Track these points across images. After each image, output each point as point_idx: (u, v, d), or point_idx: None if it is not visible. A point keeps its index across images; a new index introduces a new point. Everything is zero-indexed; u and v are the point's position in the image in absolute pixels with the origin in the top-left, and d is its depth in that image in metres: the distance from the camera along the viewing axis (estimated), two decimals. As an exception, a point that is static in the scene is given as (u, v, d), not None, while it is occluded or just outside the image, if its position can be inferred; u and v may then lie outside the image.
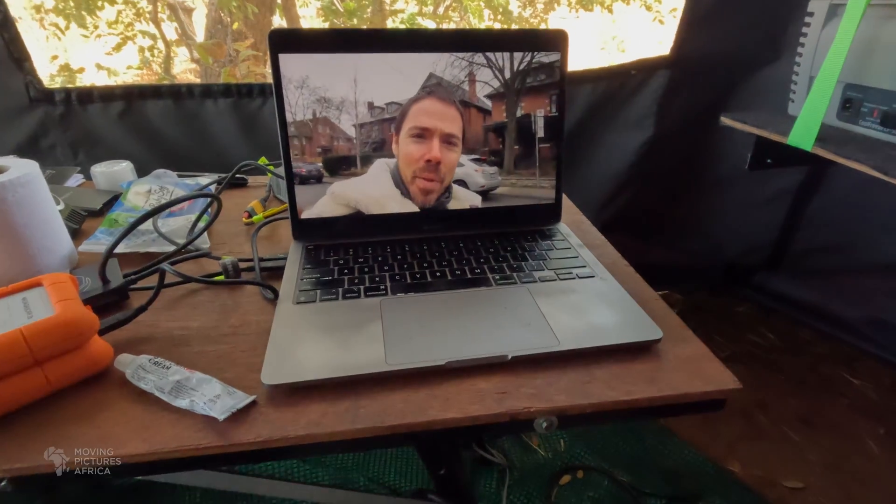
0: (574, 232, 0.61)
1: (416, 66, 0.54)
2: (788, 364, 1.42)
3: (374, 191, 0.57)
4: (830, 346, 1.46)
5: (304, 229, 0.56)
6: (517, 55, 0.56)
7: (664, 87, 1.18)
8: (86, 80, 2.92)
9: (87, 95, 0.99)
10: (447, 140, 0.57)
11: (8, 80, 0.94)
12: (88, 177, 0.77)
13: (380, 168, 0.57)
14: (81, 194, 0.66)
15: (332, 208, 0.57)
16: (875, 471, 1.11)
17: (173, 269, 0.41)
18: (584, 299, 0.47)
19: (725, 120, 0.98)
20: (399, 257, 0.53)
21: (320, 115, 0.54)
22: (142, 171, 1.05)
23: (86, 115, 1.00)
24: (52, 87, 0.97)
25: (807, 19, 0.86)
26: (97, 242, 0.53)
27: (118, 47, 2.59)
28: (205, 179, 0.71)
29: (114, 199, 0.66)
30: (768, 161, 0.94)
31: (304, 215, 0.56)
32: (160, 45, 2.81)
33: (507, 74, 0.57)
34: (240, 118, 1.07)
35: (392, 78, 0.54)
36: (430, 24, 2.02)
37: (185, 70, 3.44)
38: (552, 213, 0.62)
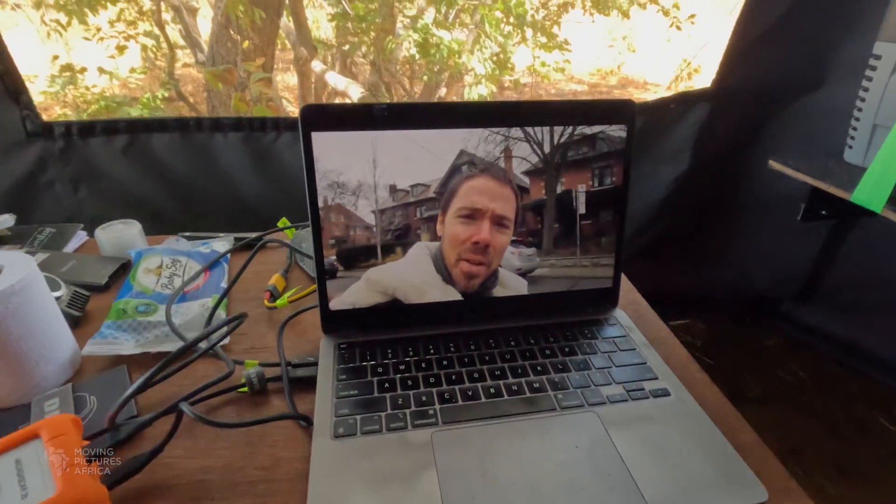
0: (633, 320, 0.55)
1: (447, 144, 0.47)
2: (821, 405, 1.36)
3: (413, 277, 0.51)
4: (862, 384, 1.40)
5: (335, 321, 0.50)
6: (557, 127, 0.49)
7: (703, 120, 1.12)
8: (88, 81, 2.85)
9: (90, 129, 0.92)
10: (498, 222, 0.50)
11: (3, 114, 0.87)
12: (91, 231, 0.71)
13: (419, 251, 0.50)
14: (84, 265, 0.59)
15: (366, 296, 0.50)
16: (919, 532, 1.05)
17: (194, 411, 0.35)
18: (666, 434, 0.40)
19: (775, 164, 0.91)
20: (445, 363, 0.47)
21: (332, 203, 0.47)
22: (146, 207, 1.00)
23: (87, 149, 0.93)
24: (51, 120, 0.90)
25: (872, 62, 0.79)
26: (104, 342, 0.46)
27: (121, 49, 2.50)
28: (220, 245, 0.65)
29: (121, 269, 0.60)
30: (823, 213, 0.87)
31: (335, 305, 0.50)
32: (162, 45, 2.72)
33: (548, 148, 0.50)
34: (251, 152, 1.00)
35: (417, 156, 0.47)
36: (444, 34, 1.94)
37: (188, 76, 3.36)
38: (608, 298, 0.56)
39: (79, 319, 0.51)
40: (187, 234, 0.67)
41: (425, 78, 2.59)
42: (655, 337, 0.54)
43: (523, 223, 0.51)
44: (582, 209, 0.52)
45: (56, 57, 2.88)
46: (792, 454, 1.23)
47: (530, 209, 0.51)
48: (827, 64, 1.10)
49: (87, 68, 2.85)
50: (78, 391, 0.42)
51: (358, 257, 0.49)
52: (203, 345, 0.43)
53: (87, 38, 3.09)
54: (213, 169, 1.01)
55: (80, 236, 0.68)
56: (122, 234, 0.62)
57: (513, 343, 0.50)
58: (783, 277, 1.47)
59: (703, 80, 4.57)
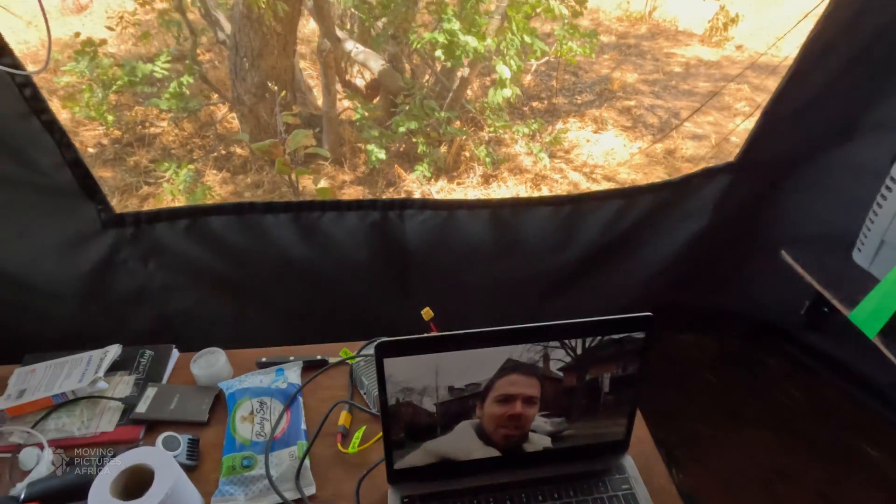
0: (640, 465, 0.66)
1: (496, 356, 0.57)
2: (812, 430, 1.49)
3: (460, 444, 0.62)
4: (856, 411, 1.52)
5: (398, 476, 0.63)
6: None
7: (724, 188, 1.16)
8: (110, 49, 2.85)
9: (155, 216, 1.02)
10: (528, 400, 0.61)
11: (82, 208, 0.97)
12: (184, 347, 0.83)
13: (463, 428, 0.62)
14: (185, 400, 0.72)
15: (423, 458, 0.62)
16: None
17: None
18: None
19: (786, 257, 0.97)
20: (488, 521, 0.60)
21: (402, 401, 0.58)
22: (207, 276, 1.11)
23: (153, 232, 1.04)
24: (122, 212, 0.99)
25: (888, 183, 0.84)
26: (223, 500, 0.60)
27: (145, 37, 2.49)
28: (292, 372, 0.77)
29: (215, 400, 0.72)
30: (825, 310, 0.95)
31: (399, 465, 0.62)
32: (184, 29, 2.70)
33: (580, 352, 0.59)
34: (300, 228, 1.09)
35: (472, 365, 0.57)
36: (471, 41, 1.91)
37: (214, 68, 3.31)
38: (621, 446, 0.67)
39: (195, 468, 0.65)
40: (264, 359, 0.78)
41: (449, 64, 2.56)
42: (658, 486, 0.65)
43: (555, 402, 0.62)
44: (606, 389, 0.62)
45: (78, 34, 2.88)
46: (779, 475, 1.39)
47: (563, 392, 0.61)
48: (856, 124, 1.12)
49: (106, 40, 2.85)
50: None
51: (420, 434, 0.61)
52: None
53: (110, 28, 3.06)
54: (266, 242, 1.11)
55: (175, 355, 0.80)
56: (212, 367, 0.74)
57: (540, 498, 0.62)
58: (793, 306, 1.56)
59: (740, 32, 4.33)
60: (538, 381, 0.60)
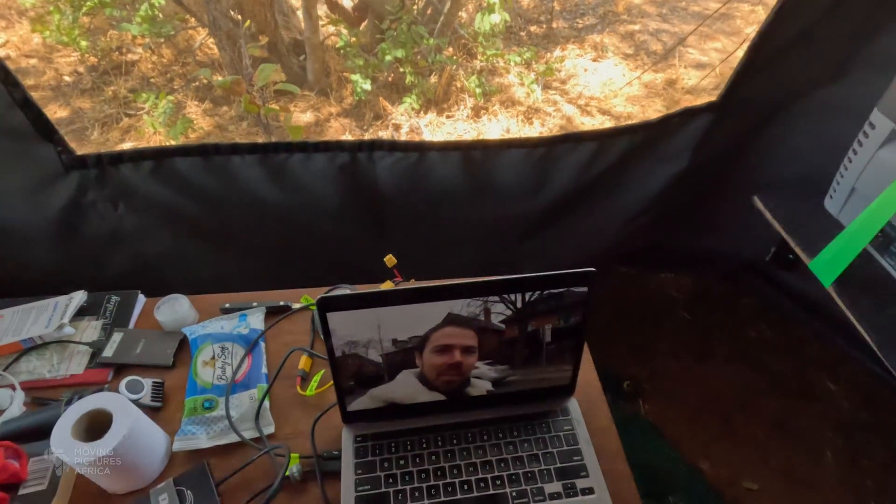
0: (584, 406, 0.70)
1: (437, 310, 0.59)
2: (777, 364, 1.56)
3: (405, 390, 0.66)
4: (823, 348, 1.58)
5: (351, 417, 0.67)
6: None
7: (705, 129, 1.12)
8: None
9: (118, 157, 1.00)
10: (466, 350, 0.63)
11: (40, 151, 0.95)
12: (149, 292, 0.85)
13: (406, 376, 0.64)
14: (151, 344, 0.74)
15: (372, 402, 0.66)
16: (825, 481, 1.31)
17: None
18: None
19: (757, 202, 0.96)
20: (433, 457, 0.64)
21: (349, 353, 0.60)
22: (179, 218, 1.11)
23: (118, 174, 1.02)
24: (83, 153, 0.98)
25: (866, 128, 0.81)
26: (186, 439, 0.64)
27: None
28: (256, 317, 0.79)
29: (179, 344, 0.75)
30: (790, 257, 0.95)
31: (351, 408, 0.66)
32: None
33: (520, 305, 0.61)
34: (268, 170, 1.08)
35: (414, 319, 0.59)
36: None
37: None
38: (566, 390, 0.70)
39: (159, 410, 0.69)
40: (227, 305, 0.80)
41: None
42: (598, 427, 0.69)
43: (499, 352, 0.64)
44: (548, 339, 0.64)
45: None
46: (739, 407, 1.47)
47: (505, 343, 0.63)
48: (845, 63, 1.06)
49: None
50: (178, 485, 0.60)
51: (368, 382, 0.63)
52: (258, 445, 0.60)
53: None
54: (234, 183, 1.09)
55: (141, 301, 0.82)
56: (175, 313, 0.76)
57: (485, 437, 0.67)
58: (765, 250, 1.56)
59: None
60: (475, 332, 0.62)
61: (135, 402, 0.65)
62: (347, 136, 2.50)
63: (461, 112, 2.65)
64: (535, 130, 2.54)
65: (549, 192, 1.23)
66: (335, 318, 0.57)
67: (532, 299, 0.60)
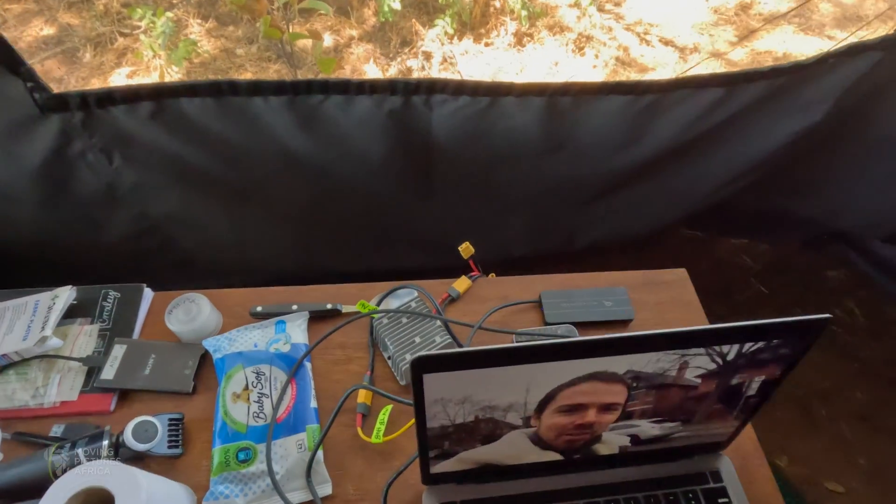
0: (738, 471, 0.53)
1: (579, 365, 0.39)
2: (867, 351, 1.38)
3: (510, 451, 0.48)
4: (918, 331, 1.39)
5: (436, 477, 0.50)
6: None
7: (861, 73, 0.86)
8: None
9: (107, 97, 0.78)
10: (604, 407, 0.45)
11: (6, 87, 0.73)
12: (156, 284, 0.66)
13: (513, 437, 0.46)
14: (164, 362, 0.57)
15: (464, 464, 0.49)
16: (921, 487, 1.17)
17: None
18: None
19: None
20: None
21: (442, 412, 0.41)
22: (188, 171, 0.90)
23: (111, 119, 0.80)
24: (62, 91, 0.75)
25: None
26: (224, 503, 0.48)
27: None
28: (295, 326, 0.60)
29: (200, 360, 0.58)
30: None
31: (434, 470, 0.49)
32: None
33: (731, 357, 0.41)
34: (298, 116, 0.85)
35: (542, 375, 0.40)
36: None
37: None
38: (716, 446, 0.53)
39: (179, 455, 0.52)
40: (259, 308, 0.61)
41: None
42: (757, 494, 0.52)
43: (678, 408, 0.45)
44: (752, 392, 0.46)
45: None
46: (820, 398, 1.31)
47: (691, 398, 0.45)
48: None
49: None
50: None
51: (461, 444, 0.46)
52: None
53: None
54: (256, 130, 0.87)
55: (147, 296, 0.63)
56: (193, 320, 0.58)
57: (613, 510, 0.50)
58: (874, 220, 1.34)
59: None
60: (624, 386, 0.43)
61: (145, 452, 0.49)
62: (372, 67, 2.20)
63: (501, 39, 2.31)
64: (587, 62, 2.22)
65: (642, 149, 1.00)
66: (433, 380, 0.38)
67: (749, 350, 0.41)
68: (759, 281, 1.52)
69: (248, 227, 1.04)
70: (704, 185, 1.16)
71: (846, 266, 1.51)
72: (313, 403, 0.55)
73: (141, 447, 0.48)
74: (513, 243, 1.27)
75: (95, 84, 2.11)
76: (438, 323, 0.58)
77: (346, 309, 0.63)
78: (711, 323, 0.56)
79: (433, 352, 0.37)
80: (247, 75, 2.11)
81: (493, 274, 0.69)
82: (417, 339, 0.56)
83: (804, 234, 1.54)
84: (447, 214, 1.15)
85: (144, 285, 0.64)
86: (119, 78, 2.11)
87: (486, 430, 0.43)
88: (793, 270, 1.53)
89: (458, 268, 1.31)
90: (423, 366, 0.36)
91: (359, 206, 1.07)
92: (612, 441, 0.49)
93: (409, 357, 0.55)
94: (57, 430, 0.53)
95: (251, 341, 0.58)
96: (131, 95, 0.78)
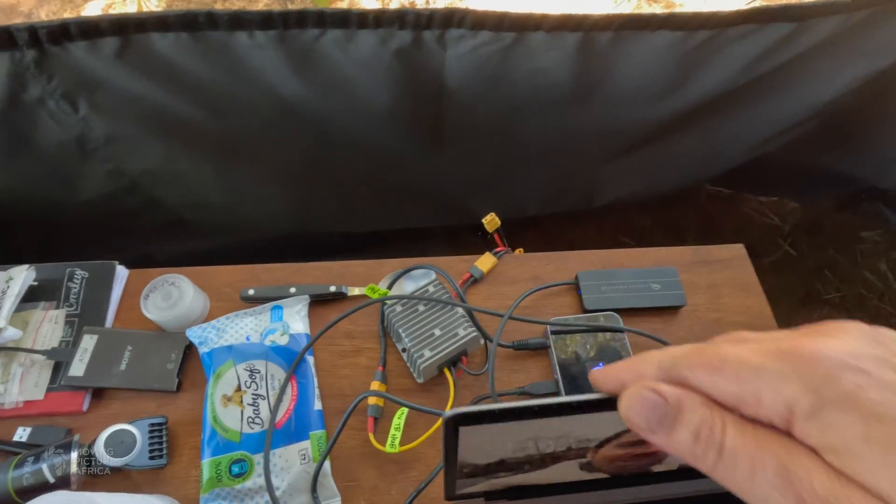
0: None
1: None
2: (896, 317, 1.31)
3: (555, 476, 0.41)
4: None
5: (461, 495, 0.43)
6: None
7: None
8: None
9: (62, 31, 0.65)
10: None
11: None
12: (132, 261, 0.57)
13: (564, 466, 0.39)
14: (143, 356, 0.49)
15: (493, 486, 0.42)
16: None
17: None
18: None
19: None
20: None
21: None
22: (165, 118, 0.79)
23: (70, 58, 0.68)
24: (7, 25, 0.63)
25: None
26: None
27: None
28: (294, 313, 0.52)
29: (185, 351, 0.50)
30: None
31: (462, 492, 0.42)
32: None
33: None
34: (289, 54, 0.72)
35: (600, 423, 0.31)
36: None
37: None
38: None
39: (164, 466, 0.45)
40: (251, 292, 0.52)
41: None
42: None
43: None
44: None
45: None
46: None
47: None
48: None
49: None
50: None
51: (496, 471, 0.38)
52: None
53: None
54: (241, 70, 0.75)
55: (121, 276, 0.54)
56: (174, 307, 0.49)
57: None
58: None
59: None
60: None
61: (122, 467, 0.42)
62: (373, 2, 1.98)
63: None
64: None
65: (685, 97, 0.88)
66: (471, 431, 0.29)
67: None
68: (788, 242, 1.43)
69: (239, 184, 0.94)
70: (748, 139, 1.04)
71: (882, 227, 1.42)
72: (317, 405, 0.48)
73: (116, 462, 0.41)
74: (527, 201, 1.17)
75: (67, 15, 1.91)
76: (460, 311, 0.50)
77: (352, 292, 0.54)
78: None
79: (470, 408, 0.28)
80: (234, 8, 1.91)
81: (521, 249, 0.59)
82: (437, 332, 0.48)
83: (841, 193, 1.43)
84: (459, 170, 1.04)
85: (116, 263, 0.55)
86: (93, 12, 1.91)
87: (530, 463, 0.36)
88: (824, 231, 1.44)
89: (469, 228, 1.22)
90: (460, 421, 0.28)
91: (361, 161, 0.96)
92: (672, 459, 0.42)
93: (427, 353, 0.47)
94: (22, 433, 0.46)
95: (243, 332, 0.49)
96: (90, 29, 0.65)
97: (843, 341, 0.17)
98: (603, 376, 0.22)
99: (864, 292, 1.34)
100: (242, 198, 0.96)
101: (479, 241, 1.44)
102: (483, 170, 1.07)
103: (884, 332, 0.18)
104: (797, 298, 1.34)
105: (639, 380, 0.20)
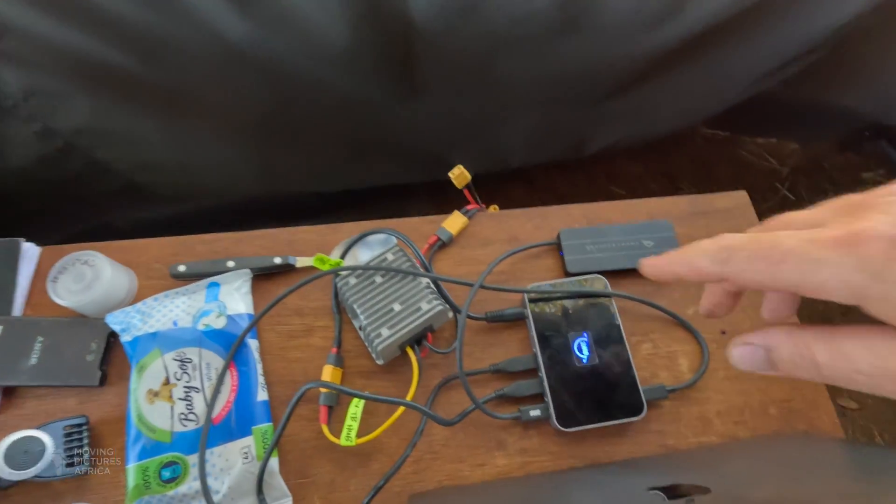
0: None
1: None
2: None
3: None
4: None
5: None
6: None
7: None
8: None
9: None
10: None
11: None
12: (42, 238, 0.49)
13: None
14: (58, 345, 0.42)
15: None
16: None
17: None
18: None
19: None
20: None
21: None
22: (85, 65, 0.69)
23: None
24: None
25: None
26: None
27: None
28: (233, 290, 0.45)
29: (109, 339, 0.43)
30: None
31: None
32: None
33: None
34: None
35: None
36: None
37: None
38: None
39: (85, 473, 0.39)
40: (181, 268, 0.45)
41: None
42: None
43: None
44: None
45: None
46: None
47: None
48: None
49: None
50: None
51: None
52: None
53: None
54: (177, 13, 0.65)
55: (30, 254, 0.47)
56: (88, 289, 0.42)
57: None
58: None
59: None
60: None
61: (28, 480, 0.36)
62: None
63: None
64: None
65: (683, 24, 0.79)
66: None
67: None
68: (785, 186, 1.37)
69: (189, 142, 0.84)
70: (748, 74, 0.95)
71: (885, 167, 1.35)
72: (262, 395, 0.42)
73: (19, 476, 0.35)
74: (510, 151, 1.08)
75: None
76: (425, 282, 0.43)
77: (301, 263, 0.47)
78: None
79: (429, 491, 0.22)
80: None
81: (496, 206, 0.52)
82: (397, 307, 0.42)
83: (843, 132, 1.35)
84: (434, 117, 0.94)
85: (23, 240, 0.47)
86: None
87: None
88: (824, 173, 1.37)
89: (449, 184, 1.12)
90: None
91: (325, 111, 0.86)
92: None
93: (385, 332, 0.41)
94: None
95: (171, 315, 0.42)
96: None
97: (889, 217, 0.17)
98: (654, 268, 0.23)
99: (864, 236, 1.29)
100: (196, 157, 0.87)
101: (465, 198, 1.35)
102: (461, 116, 0.97)
103: None
104: (794, 245, 1.29)
105: (693, 273, 0.21)
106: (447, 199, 1.38)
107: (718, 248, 0.20)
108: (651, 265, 0.23)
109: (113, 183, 0.89)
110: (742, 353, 0.21)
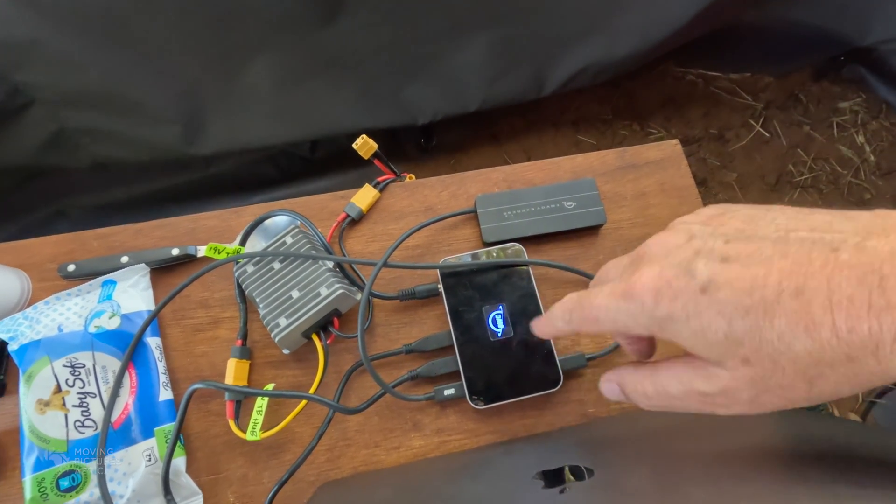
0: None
1: None
2: (874, 192, 1.23)
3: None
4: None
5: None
6: None
7: None
8: None
9: None
10: None
11: None
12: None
13: None
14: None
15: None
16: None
17: None
18: None
19: None
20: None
21: None
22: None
23: None
24: None
25: None
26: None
27: None
28: (129, 286, 0.42)
29: (3, 355, 0.41)
30: None
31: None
32: None
33: None
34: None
35: None
36: None
37: None
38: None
39: (-10, 484, 0.38)
40: (71, 268, 0.42)
41: None
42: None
43: None
44: None
45: None
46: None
47: None
48: None
49: None
50: None
51: None
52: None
53: None
54: None
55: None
56: (-29, 297, 0.40)
57: None
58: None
59: None
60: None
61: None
62: None
63: None
64: None
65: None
66: None
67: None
68: (760, 122, 1.32)
69: (117, 67, 0.80)
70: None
71: (861, 94, 1.30)
72: (165, 395, 0.40)
73: None
74: (468, 88, 1.02)
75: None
76: (328, 265, 0.41)
77: (203, 252, 0.44)
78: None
79: (336, 480, 0.20)
80: None
81: (412, 175, 0.49)
82: (295, 294, 0.39)
83: (818, 58, 1.29)
84: (363, 39, 0.88)
85: None
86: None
87: None
88: (799, 107, 1.32)
89: (408, 130, 1.08)
90: None
91: (237, 29, 0.81)
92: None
93: (283, 322, 0.39)
94: None
95: (59, 320, 0.40)
96: None
97: (653, 268, 0.20)
98: (538, 331, 0.28)
99: (840, 169, 1.26)
100: (110, 84, 0.81)
101: (422, 151, 1.28)
102: (400, 44, 0.91)
103: (692, 221, 0.22)
104: (768, 184, 1.25)
105: (559, 332, 0.25)
106: (404, 151, 1.33)
107: (563, 311, 0.24)
108: (537, 329, 0.28)
109: (43, 120, 0.84)
110: (605, 388, 0.25)
